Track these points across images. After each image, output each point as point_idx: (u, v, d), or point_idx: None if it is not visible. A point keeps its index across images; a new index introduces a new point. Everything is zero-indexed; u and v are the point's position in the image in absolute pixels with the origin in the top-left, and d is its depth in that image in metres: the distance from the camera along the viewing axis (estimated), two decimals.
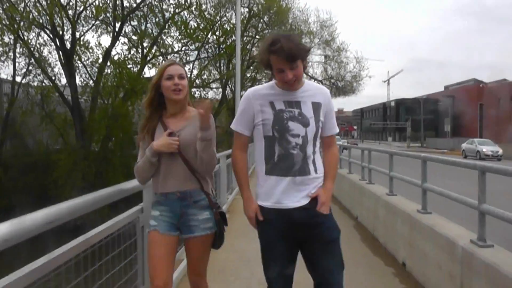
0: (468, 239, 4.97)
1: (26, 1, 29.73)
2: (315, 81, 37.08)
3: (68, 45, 29.86)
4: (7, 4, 28.78)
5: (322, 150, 3.41)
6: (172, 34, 34.02)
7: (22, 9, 29.57)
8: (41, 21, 29.25)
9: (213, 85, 37.36)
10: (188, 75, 29.40)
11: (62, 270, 2.90)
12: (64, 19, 29.13)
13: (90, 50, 31.27)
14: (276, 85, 3.23)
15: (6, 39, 31.29)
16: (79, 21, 30.24)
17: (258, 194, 3.27)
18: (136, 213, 4.14)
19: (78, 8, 29.97)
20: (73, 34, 29.66)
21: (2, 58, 32.61)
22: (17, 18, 28.82)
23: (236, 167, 3.40)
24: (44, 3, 28.74)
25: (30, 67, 32.80)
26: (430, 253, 5.87)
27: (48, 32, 29.86)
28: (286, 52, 2.97)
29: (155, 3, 32.72)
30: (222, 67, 36.62)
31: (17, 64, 32.94)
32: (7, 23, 28.69)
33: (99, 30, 32.55)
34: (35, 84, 33.04)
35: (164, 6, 32.91)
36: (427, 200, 7.04)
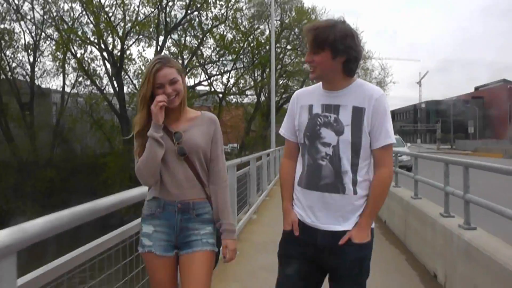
0: None
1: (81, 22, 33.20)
2: None
3: (116, 59, 32.72)
4: (64, 25, 31.98)
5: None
6: (209, 46, 36.75)
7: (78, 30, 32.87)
8: (93, 38, 32.16)
9: (248, 92, 39.73)
10: (206, 74, 34.39)
11: (76, 273, 2.91)
12: (114, 36, 32.01)
13: (135, 62, 34.25)
14: (322, 85, 2.86)
15: (58, 54, 34.51)
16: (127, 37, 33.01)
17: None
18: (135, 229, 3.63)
19: (126, 26, 32.86)
20: (121, 50, 32.40)
21: (53, 71, 36.00)
22: (72, 37, 31.92)
23: (280, 176, 3.07)
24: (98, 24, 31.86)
25: (80, 79, 35.85)
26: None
27: (98, 48, 32.81)
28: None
29: (195, 17, 35.29)
30: (256, 76, 38.83)
31: (66, 76, 36.07)
32: (62, 40, 31.74)
33: (144, 43, 35.42)
34: (84, 94, 36.09)
35: (202, 19, 35.55)
36: (449, 204, 6.95)
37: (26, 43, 35.71)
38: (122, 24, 32.95)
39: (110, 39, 32.97)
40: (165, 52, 34.30)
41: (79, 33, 32.55)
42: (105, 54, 32.97)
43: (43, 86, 37.29)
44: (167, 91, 2.88)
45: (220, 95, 37.57)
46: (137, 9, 33.50)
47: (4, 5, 33.97)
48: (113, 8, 33.29)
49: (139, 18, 33.15)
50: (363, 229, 2.75)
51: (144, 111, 2.92)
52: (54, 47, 34.65)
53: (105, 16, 32.74)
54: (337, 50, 2.63)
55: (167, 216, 2.96)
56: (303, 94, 2.95)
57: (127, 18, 33.14)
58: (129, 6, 33.35)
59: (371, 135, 2.73)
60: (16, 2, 33.70)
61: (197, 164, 2.99)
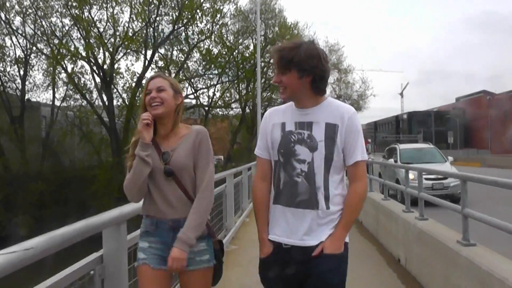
0: None
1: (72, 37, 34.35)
2: None
3: (104, 73, 33.84)
4: (55, 40, 33.21)
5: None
6: (195, 60, 38.03)
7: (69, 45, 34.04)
8: (83, 54, 33.29)
9: (234, 105, 40.84)
10: (192, 88, 35.21)
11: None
12: (104, 51, 33.32)
13: (124, 75, 35.46)
14: (293, 104, 2.91)
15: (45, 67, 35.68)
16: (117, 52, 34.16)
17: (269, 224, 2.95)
18: (93, 263, 3.13)
19: (116, 41, 34.01)
20: (111, 65, 33.58)
21: (45, 85, 37.00)
22: (62, 51, 33.05)
23: (254, 200, 3.03)
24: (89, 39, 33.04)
25: (70, 92, 36.78)
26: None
27: (88, 62, 33.87)
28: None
29: (181, 32, 36.56)
30: (241, 89, 39.94)
31: (56, 89, 36.97)
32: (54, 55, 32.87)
33: (132, 57, 36.47)
34: (74, 107, 36.91)
35: (189, 34, 36.85)
36: (409, 201, 8.25)
37: (17, 57, 36.50)
38: (112, 40, 34.04)
39: (99, 53, 34.11)
40: (152, 66, 35.37)
41: (71, 48, 33.60)
42: (94, 68, 34.05)
43: (33, 99, 38.02)
44: (152, 95, 2.99)
45: (206, 108, 38.50)
46: (126, 24, 34.63)
47: None
48: (104, 23, 34.44)
49: (129, 33, 34.16)
50: (336, 240, 2.79)
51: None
52: (45, 62, 35.76)
53: (96, 31, 33.89)
54: (303, 70, 2.73)
55: (160, 233, 3.02)
56: (275, 113, 3.01)
57: (117, 32, 34.28)
58: (119, 22, 34.49)
59: (345, 152, 2.81)
60: (7, 16, 34.55)
61: (186, 182, 3.02)
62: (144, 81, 33.43)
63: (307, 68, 2.72)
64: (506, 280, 4.07)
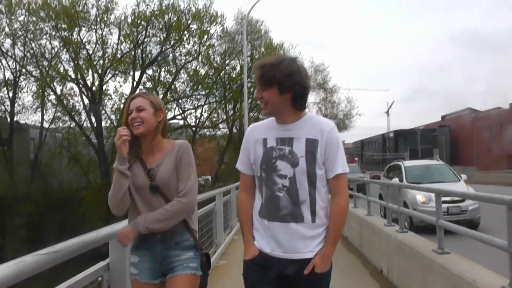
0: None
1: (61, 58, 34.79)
2: None
3: (93, 95, 34.11)
4: (45, 62, 33.61)
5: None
6: (183, 81, 38.46)
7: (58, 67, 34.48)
8: (73, 76, 33.65)
9: (221, 126, 41.24)
10: (180, 109, 36.36)
11: None
12: (93, 73, 33.70)
13: (112, 97, 35.80)
14: (275, 119, 2.95)
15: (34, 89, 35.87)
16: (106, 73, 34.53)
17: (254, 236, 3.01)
18: (101, 271, 3.41)
19: (105, 63, 34.47)
20: (100, 87, 33.97)
21: (34, 107, 37.14)
22: (51, 73, 33.38)
23: (239, 210, 3.13)
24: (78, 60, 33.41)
25: (59, 114, 37.05)
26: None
27: (77, 84, 34.17)
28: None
29: (169, 53, 37.02)
30: (228, 109, 40.39)
31: (45, 111, 37.21)
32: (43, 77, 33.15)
33: (120, 78, 36.92)
34: (63, 129, 37.25)
35: (176, 55, 37.37)
36: (391, 216, 8.67)
37: (6, 80, 36.75)
38: (101, 62, 34.48)
39: (88, 75, 34.51)
40: (140, 87, 35.66)
41: (60, 69, 34.07)
42: (83, 89, 34.48)
43: (22, 121, 38.25)
44: (132, 115, 3.07)
45: (194, 129, 38.88)
46: (115, 46, 35.14)
47: None
48: (93, 45, 34.94)
49: (117, 54, 34.66)
50: (327, 259, 2.85)
51: None
52: (34, 84, 36.09)
53: (85, 52, 34.37)
54: (284, 87, 2.76)
55: (148, 246, 3.09)
56: (257, 129, 3.04)
57: (106, 54, 34.74)
58: (107, 43, 35.03)
59: (326, 166, 2.85)
60: None
61: (172, 195, 3.07)
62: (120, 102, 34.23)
63: (288, 85, 2.75)
64: (474, 282, 4.47)
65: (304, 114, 2.92)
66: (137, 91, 34.45)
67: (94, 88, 34.16)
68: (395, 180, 14.83)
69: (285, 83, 2.75)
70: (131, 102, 3.14)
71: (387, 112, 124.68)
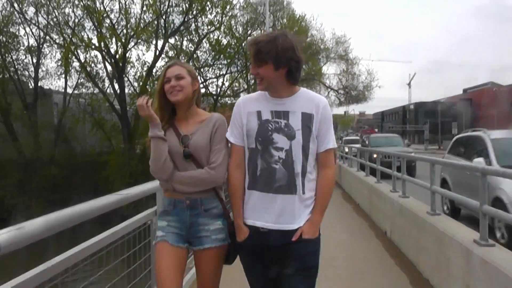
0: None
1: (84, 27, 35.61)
2: (331, 91, 41.89)
3: (116, 62, 34.90)
4: (68, 30, 34.47)
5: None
6: (205, 50, 39.04)
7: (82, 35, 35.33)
8: (96, 44, 34.46)
9: (242, 95, 41.56)
10: (201, 77, 36.51)
11: (80, 267, 3.01)
12: (118, 43, 34.58)
13: (135, 65, 36.56)
14: (268, 93, 3.00)
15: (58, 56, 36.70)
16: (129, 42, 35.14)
17: (244, 210, 3.04)
18: (150, 215, 4.08)
19: (128, 32, 35.07)
20: (124, 54, 34.62)
21: (58, 73, 38.18)
22: (75, 41, 34.22)
23: (230, 187, 3.10)
24: (100, 30, 34.27)
25: (82, 80, 37.84)
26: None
27: (100, 52, 34.94)
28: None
29: (191, 23, 37.45)
30: (249, 79, 40.84)
31: (68, 77, 38.02)
32: (68, 44, 34.02)
33: (144, 47, 37.65)
34: (86, 95, 38.09)
35: (199, 25, 37.80)
36: (395, 182, 9.27)
37: (30, 46, 37.60)
38: (124, 31, 35.02)
39: (112, 43, 35.06)
40: (163, 56, 36.21)
41: (84, 37, 34.73)
42: (106, 57, 35.08)
43: (46, 87, 39.09)
44: (172, 83, 3.12)
45: (215, 97, 39.36)
46: (138, 16, 35.51)
47: (10, 9, 35.79)
48: (116, 14, 35.47)
49: (140, 24, 35.13)
50: (314, 225, 2.95)
51: (159, 105, 3.19)
52: (57, 50, 36.81)
53: (109, 21, 35.00)
54: (279, 63, 2.82)
55: (177, 212, 3.14)
56: (248, 101, 3.08)
57: (129, 23, 35.23)
58: (130, 13, 35.42)
59: (318, 140, 2.95)
60: (21, 7, 35.55)
61: (204, 164, 3.11)
62: (155, 70, 34.81)
63: (283, 60, 2.82)
64: (454, 236, 5.33)
65: (298, 89, 3.02)
66: (160, 60, 35.55)
67: (117, 56, 34.81)
68: (478, 161, 9.26)
69: (280, 59, 2.82)
70: (168, 70, 3.19)
71: (409, 84, 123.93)
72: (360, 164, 16.95)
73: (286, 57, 2.82)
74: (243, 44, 37.92)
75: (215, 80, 40.14)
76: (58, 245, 4.14)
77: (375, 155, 12.72)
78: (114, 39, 34.55)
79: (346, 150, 23.68)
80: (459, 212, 10.41)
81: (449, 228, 5.65)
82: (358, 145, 26.42)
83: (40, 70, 37.92)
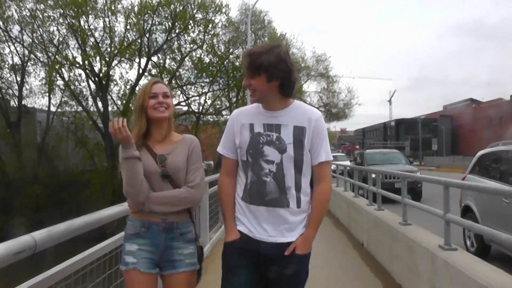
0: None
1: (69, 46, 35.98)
2: None
3: (99, 80, 35.21)
4: (52, 49, 34.74)
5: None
6: (187, 68, 39.59)
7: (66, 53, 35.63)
8: (81, 62, 34.79)
9: (224, 112, 42.12)
10: (184, 95, 38.15)
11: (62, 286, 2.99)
12: (101, 61, 34.91)
13: (118, 83, 37.00)
14: (261, 105, 2.96)
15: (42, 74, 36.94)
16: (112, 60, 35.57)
17: (235, 217, 3.01)
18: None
19: (112, 51, 35.54)
20: (107, 72, 34.99)
21: (41, 92, 38.24)
22: (59, 59, 34.55)
23: (221, 195, 3.09)
24: (85, 48, 34.69)
25: (66, 98, 38.06)
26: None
27: (84, 70, 35.26)
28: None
29: (174, 41, 38.04)
30: (231, 97, 41.21)
31: (51, 95, 38.26)
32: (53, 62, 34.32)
33: (127, 65, 37.99)
34: (69, 113, 38.15)
35: (182, 43, 38.45)
36: (371, 197, 10.06)
37: (14, 64, 37.69)
38: (108, 49, 35.47)
39: (96, 62, 35.45)
40: (146, 74, 36.56)
41: (69, 56, 35.07)
42: (90, 75, 35.45)
43: (29, 105, 39.10)
44: (160, 99, 3.05)
45: (197, 115, 39.69)
46: (122, 34, 36.03)
47: None
48: (100, 32, 35.96)
49: (124, 43, 35.56)
50: (308, 241, 2.88)
51: (143, 120, 3.07)
52: (42, 69, 37.06)
53: (93, 40, 35.43)
54: (272, 75, 2.77)
55: (151, 235, 3.00)
56: (242, 113, 3.04)
57: (113, 42, 35.75)
58: (114, 31, 35.97)
59: (311, 153, 2.89)
60: (5, 25, 35.71)
61: (180, 183, 3.05)
62: (138, 88, 34.65)
63: (275, 72, 2.77)
64: (421, 243, 5.80)
65: (291, 101, 2.96)
66: (143, 78, 35.77)
67: (101, 74, 35.13)
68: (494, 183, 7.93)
69: (273, 71, 2.77)
70: (154, 85, 3.11)
71: (390, 101, 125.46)
72: (352, 185, 13.92)
73: (278, 70, 2.79)
74: (225, 62, 38.51)
75: (197, 98, 40.65)
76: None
77: (373, 175, 10.26)
78: (98, 58, 34.97)
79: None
80: (489, 249, 8.28)
81: (418, 236, 6.12)
82: (345, 162, 26.39)
83: (24, 89, 38.08)
